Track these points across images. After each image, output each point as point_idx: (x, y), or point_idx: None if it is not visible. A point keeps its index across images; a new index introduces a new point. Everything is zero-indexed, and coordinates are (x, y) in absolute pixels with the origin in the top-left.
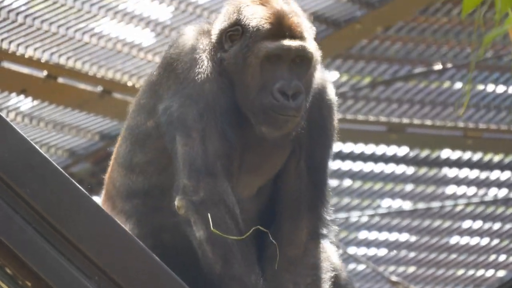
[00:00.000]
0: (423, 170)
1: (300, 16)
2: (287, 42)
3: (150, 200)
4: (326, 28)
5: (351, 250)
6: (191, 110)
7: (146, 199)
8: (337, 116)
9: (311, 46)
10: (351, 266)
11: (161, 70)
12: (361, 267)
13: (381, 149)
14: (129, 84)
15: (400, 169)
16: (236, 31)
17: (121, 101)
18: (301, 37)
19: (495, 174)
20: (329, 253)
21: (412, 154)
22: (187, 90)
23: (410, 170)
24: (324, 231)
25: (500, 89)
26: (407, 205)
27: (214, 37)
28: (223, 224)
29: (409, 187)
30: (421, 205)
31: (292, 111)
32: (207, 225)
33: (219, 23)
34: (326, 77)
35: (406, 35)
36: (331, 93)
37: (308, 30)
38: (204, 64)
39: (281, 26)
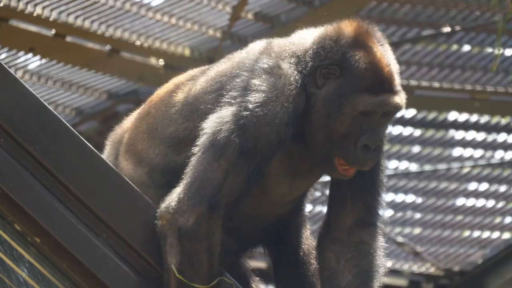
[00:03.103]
0: (430, 132)
1: (393, 62)
2: (386, 99)
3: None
4: None
5: None
6: (237, 142)
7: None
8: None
9: (404, 99)
10: None
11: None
12: None
13: None
14: (137, 43)
15: (407, 131)
16: (333, 70)
17: (129, 60)
18: (397, 92)
19: (502, 137)
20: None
21: (419, 116)
22: (248, 112)
23: (417, 132)
24: (372, 220)
25: (508, 52)
26: (413, 166)
27: (306, 70)
28: (196, 263)
29: (416, 149)
30: (427, 167)
31: (367, 165)
32: (181, 261)
33: (314, 55)
34: None
35: None
36: None
37: (399, 79)
38: (275, 100)
39: (381, 80)
